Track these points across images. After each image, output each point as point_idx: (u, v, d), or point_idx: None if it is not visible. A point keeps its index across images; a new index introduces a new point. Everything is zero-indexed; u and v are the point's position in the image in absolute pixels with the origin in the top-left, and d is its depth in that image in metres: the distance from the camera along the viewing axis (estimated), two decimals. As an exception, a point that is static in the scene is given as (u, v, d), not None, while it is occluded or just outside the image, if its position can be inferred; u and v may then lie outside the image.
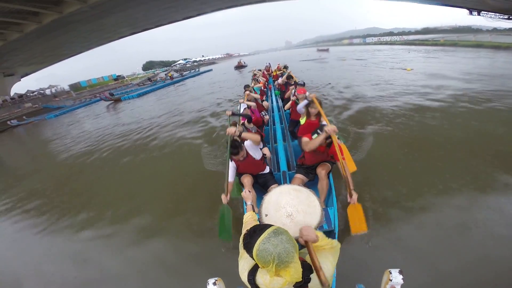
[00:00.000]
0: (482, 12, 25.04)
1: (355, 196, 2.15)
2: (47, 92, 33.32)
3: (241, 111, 4.58)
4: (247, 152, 2.68)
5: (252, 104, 4.37)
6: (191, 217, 3.28)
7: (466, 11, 25.29)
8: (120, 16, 18.08)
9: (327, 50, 48.16)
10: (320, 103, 3.37)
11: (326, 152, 2.70)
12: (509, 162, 3.48)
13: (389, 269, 1.14)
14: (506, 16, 24.93)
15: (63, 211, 4.18)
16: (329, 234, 2.20)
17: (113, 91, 25.25)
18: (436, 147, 4.17)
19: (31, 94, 30.98)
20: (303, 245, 1.11)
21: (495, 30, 39.24)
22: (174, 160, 5.51)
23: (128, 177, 5.08)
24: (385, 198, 3.06)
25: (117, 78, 50.77)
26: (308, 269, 0.98)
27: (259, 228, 0.95)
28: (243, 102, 4.56)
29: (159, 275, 2.56)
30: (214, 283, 1.30)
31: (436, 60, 17.47)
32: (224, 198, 2.46)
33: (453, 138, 4.42)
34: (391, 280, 1.13)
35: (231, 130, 2.51)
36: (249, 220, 1.50)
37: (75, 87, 41.11)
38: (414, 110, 6.22)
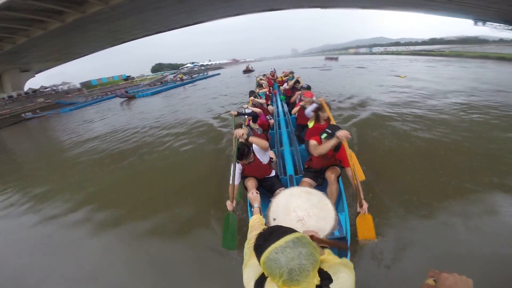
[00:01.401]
0: (487, 22, 25.60)
1: (365, 205, 2.15)
2: (60, 88, 34.68)
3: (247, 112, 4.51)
4: (254, 155, 2.63)
5: (257, 110, 4.28)
6: (185, 217, 3.15)
7: (471, 22, 25.82)
8: (136, 18, 19.17)
9: (336, 58, 47.95)
10: (329, 107, 3.40)
11: (334, 156, 2.64)
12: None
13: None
14: (511, 27, 25.43)
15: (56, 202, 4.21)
16: (341, 241, 2.14)
17: (127, 89, 26.68)
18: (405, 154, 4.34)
19: (45, 90, 32.26)
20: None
21: (501, 41, 39.57)
22: (182, 159, 5.43)
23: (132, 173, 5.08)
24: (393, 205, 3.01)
25: (127, 78, 52.31)
26: (326, 278, 0.89)
27: (279, 231, 0.82)
28: (247, 107, 4.44)
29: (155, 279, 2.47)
30: None
31: (432, 69, 18.74)
32: (230, 205, 2.33)
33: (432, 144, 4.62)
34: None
35: (239, 132, 2.41)
36: (255, 224, 1.41)
37: (86, 85, 42.52)
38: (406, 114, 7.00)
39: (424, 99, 8.15)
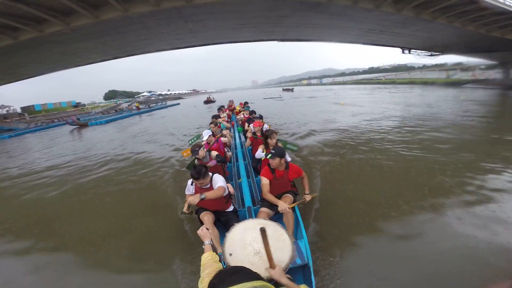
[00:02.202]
0: (412, 50, 29.57)
1: (308, 197, 2.72)
2: (-2, 112, 30.82)
3: (205, 137, 4.48)
4: (210, 183, 2.66)
5: (225, 139, 4.38)
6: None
7: (399, 50, 29.67)
8: (97, 42, 19.04)
9: (292, 90, 53.46)
10: (276, 133, 3.79)
11: (287, 176, 2.90)
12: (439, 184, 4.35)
13: None
14: (429, 53, 30.77)
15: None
16: (304, 268, 2.12)
17: (78, 116, 25.14)
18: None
19: (-23, 113, 28.31)
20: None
21: (424, 67, 48.24)
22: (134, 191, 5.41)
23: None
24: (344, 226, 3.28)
25: (77, 105, 49.16)
26: None
27: (240, 275, 0.76)
28: (209, 129, 4.52)
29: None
30: None
31: (366, 95, 24.26)
32: (185, 209, 2.71)
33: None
34: None
35: (192, 200, 2.40)
36: (208, 262, 1.32)
37: (28, 110, 38.62)
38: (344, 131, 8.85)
39: (355, 122, 10.69)
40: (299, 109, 17.82)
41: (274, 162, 2.78)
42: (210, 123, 5.16)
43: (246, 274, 0.77)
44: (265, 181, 2.78)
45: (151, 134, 11.98)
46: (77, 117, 23.48)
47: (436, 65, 43.63)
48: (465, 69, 36.08)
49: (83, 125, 20.37)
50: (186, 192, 2.82)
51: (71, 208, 4.95)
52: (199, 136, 5.66)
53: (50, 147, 12.59)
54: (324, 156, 6.20)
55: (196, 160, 3.58)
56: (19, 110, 37.44)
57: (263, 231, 1.15)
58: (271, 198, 2.69)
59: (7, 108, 34.45)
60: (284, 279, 1.09)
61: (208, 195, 2.43)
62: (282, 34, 24.11)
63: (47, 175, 7.26)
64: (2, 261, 3.42)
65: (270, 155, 2.76)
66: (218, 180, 2.67)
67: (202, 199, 2.38)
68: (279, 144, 3.82)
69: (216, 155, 3.72)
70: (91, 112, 36.34)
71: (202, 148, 3.58)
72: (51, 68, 25.26)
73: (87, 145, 12.16)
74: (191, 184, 2.77)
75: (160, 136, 11.40)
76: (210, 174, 2.69)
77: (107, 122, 21.58)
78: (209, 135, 4.38)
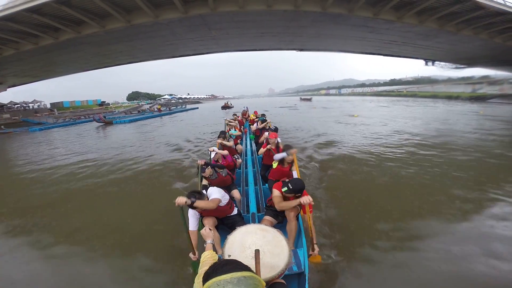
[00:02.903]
0: (436, 62, 28.99)
1: (316, 250, 2.37)
2: (30, 106, 33.28)
3: (212, 155, 4.41)
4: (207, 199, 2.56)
5: (224, 152, 4.33)
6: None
7: (422, 62, 29.12)
8: (126, 45, 20.37)
9: (310, 99, 52.26)
10: (292, 151, 3.55)
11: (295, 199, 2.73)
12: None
13: None
14: (454, 66, 29.54)
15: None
16: (299, 276, 2.19)
17: (104, 114, 26.84)
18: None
19: (14, 106, 30.71)
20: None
21: (449, 80, 45.75)
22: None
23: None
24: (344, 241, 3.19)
25: (102, 104, 51.70)
26: None
27: (231, 266, 0.84)
28: (213, 150, 4.42)
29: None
30: None
31: (383, 109, 23.41)
32: (193, 257, 2.32)
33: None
34: None
35: (181, 200, 2.24)
36: (207, 259, 1.37)
37: (57, 106, 41.21)
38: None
39: (367, 135, 10.62)
40: (317, 119, 17.84)
41: (289, 195, 2.63)
42: (218, 139, 5.14)
43: (237, 265, 0.85)
44: (277, 193, 2.68)
45: (173, 137, 12.46)
46: (103, 115, 25.13)
47: (462, 78, 41.64)
48: (492, 83, 34.41)
49: (108, 123, 21.82)
50: (191, 218, 2.61)
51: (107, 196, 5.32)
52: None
53: (82, 140, 13.36)
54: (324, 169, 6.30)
55: (202, 177, 3.57)
56: (48, 106, 40.19)
57: (257, 252, 1.19)
58: (287, 204, 2.59)
59: (38, 103, 37.25)
60: None
61: (199, 204, 2.35)
62: (301, 44, 24.60)
63: (86, 165, 7.82)
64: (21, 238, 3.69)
65: (286, 188, 2.57)
66: (213, 193, 2.60)
67: (192, 203, 2.30)
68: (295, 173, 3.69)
69: (217, 166, 3.70)
70: (115, 111, 38.28)
71: (208, 167, 3.51)
72: (83, 68, 27.17)
73: (115, 140, 12.89)
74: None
75: (181, 140, 11.75)
76: (204, 192, 2.61)
77: (131, 121, 22.85)
78: (216, 153, 4.31)
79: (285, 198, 2.66)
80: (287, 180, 2.71)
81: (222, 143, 4.95)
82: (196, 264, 2.26)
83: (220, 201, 2.54)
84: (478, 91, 33.94)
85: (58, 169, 7.59)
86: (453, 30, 16.69)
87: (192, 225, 2.52)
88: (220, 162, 4.18)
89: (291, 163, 3.64)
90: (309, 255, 2.41)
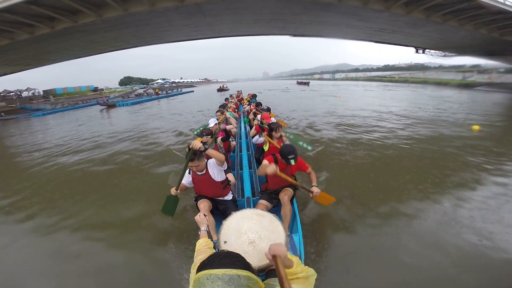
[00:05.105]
0: (426, 50, 29.56)
1: (316, 190, 2.39)
2: (24, 94, 33.32)
3: (211, 125, 4.29)
4: (206, 168, 2.57)
5: (231, 127, 4.32)
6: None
7: (413, 50, 29.70)
8: (122, 32, 20.40)
9: (307, 83, 51.19)
10: (280, 128, 3.58)
11: (289, 169, 2.70)
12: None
13: None
14: (443, 54, 30.36)
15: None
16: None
17: (107, 98, 28.17)
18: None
19: (8, 94, 30.64)
20: (271, 260, 1.01)
21: (440, 67, 46.84)
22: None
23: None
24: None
25: (95, 89, 51.28)
26: None
27: (229, 260, 0.79)
28: (217, 121, 4.34)
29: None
30: None
31: (368, 92, 25.97)
32: (173, 191, 2.51)
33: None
34: None
35: (196, 144, 2.27)
36: (202, 248, 1.36)
37: (51, 93, 40.95)
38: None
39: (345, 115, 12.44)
40: (308, 100, 19.76)
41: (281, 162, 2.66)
42: (217, 111, 5.16)
43: (236, 261, 0.79)
44: (265, 162, 2.69)
45: (184, 112, 13.85)
46: (107, 98, 26.67)
47: (454, 66, 42.84)
48: (482, 72, 35.51)
49: (111, 106, 23.16)
50: (183, 181, 2.64)
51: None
52: (205, 126, 5.48)
53: (95, 122, 14.63)
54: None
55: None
56: (41, 93, 40.08)
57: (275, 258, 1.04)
58: (263, 169, 2.53)
59: (32, 91, 37.26)
60: (286, 261, 0.99)
61: (211, 152, 2.43)
62: (294, 30, 24.87)
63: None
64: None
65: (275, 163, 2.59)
66: (213, 165, 2.64)
67: (205, 149, 2.35)
68: (284, 138, 3.73)
69: (221, 138, 3.82)
70: (109, 96, 38.66)
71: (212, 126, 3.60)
72: (77, 54, 26.94)
73: (119, 122, 14.19)
74: (189, 173, 2.70)
75: (194, 111, 13.26)
76: (206, 160, 2.61)
77: (133, 103, 24.14)
78: (215, 124, 4.26)
79: (272, 178, 2.68)
80: None
81: (230, 119, 5.07)
82: (170, 196, 2.56)
83: (224, 158, 2.57)
84: (468, 79, 35.02)
85: (103, 148, 8.48)
86: (439, 20, 17.33)
87: (185, 178, 2.65)
88: (217, 134, 3.98)
89: (281, 138, 3.63)
90: (310, 191, 2.62)
